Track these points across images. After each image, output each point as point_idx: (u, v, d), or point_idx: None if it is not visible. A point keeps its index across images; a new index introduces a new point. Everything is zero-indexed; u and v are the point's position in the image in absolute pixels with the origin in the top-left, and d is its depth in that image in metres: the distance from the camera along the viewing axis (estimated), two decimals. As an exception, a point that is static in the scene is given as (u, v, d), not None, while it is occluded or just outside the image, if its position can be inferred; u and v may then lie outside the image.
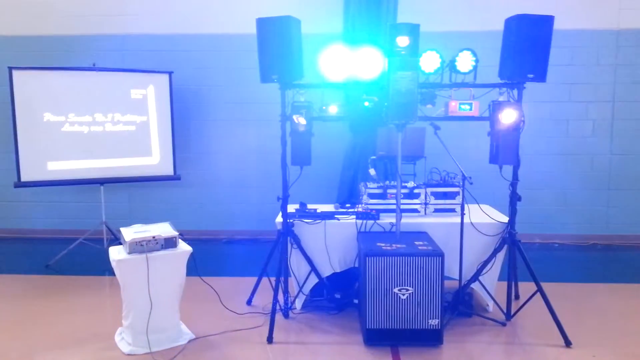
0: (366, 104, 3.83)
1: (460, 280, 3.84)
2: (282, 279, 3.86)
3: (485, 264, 3.87)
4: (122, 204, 6.41)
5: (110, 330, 3.68)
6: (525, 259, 3.72)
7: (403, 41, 3.48)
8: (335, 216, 4.03)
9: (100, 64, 5.66)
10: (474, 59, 3.70)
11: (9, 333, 3.72)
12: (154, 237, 3.39)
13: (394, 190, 3.95)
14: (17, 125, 5.22)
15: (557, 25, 3.59)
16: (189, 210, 6.44)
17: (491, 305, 4.04)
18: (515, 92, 3.73)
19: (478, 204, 3.96)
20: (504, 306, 3.92)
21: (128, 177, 5.78)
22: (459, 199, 4.06)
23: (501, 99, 3.74)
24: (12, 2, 6.16)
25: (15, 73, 5.21)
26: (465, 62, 3.71)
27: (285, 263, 3.89)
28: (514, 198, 3.81)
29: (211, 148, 6.37)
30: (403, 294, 3.42)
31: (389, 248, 3.51)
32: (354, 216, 3.99)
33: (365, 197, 4.10)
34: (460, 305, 3.88)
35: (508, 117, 3.61)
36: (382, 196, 4.09)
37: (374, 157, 4.55)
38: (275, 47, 3.62)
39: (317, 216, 4.01)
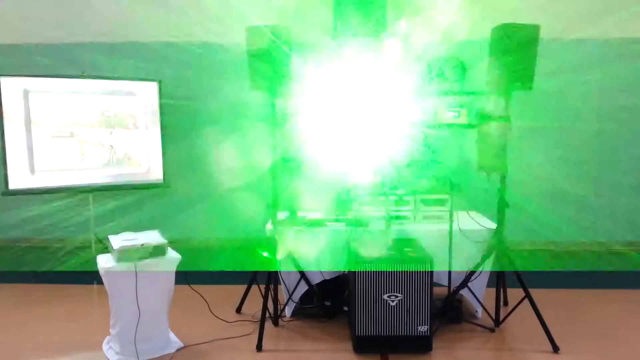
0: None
1: (449, 286, 3.85)
2: (271, 286, 3.85)
3: (474, 270, 3.89)
4: (110, 212, 6.36)
5: (98, 339, 3.65)
6: (513, 265, 3.74)
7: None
8: (325, 223, 4.03)
9: (89, 72, 5.64)
10: (463, 66, 3.74)
11: (-6, 343, 3.68)
12: (142, 245, 3.37)
13: (383, 198, 3.96)
14: (5, 133, 5.18)
15: (544, 34, 3.64)
16: (179, 218, 6.40)
17: (480, 312, 4.06)
18: (502, 100, 3.78)
19: (467, 211, 3.98)
20: (492, 312, 3.93)
21: (117, 184, 5.75)
22: (448, 206, 4.08)
23: (489, 106, 3.77)
24: (-1, 10, 6.14)
25: (2, 80, 5.17)
26: (453, 69, 3.75)
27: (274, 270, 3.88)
28: (502, 205, 3.84)
29: (200, 156, 6.34)
30: (392, 301, 3.43)
31: (378, 255, 3.51)
32: (344, 223, 4.00)
33: (355, 204, 4.11)
34: (450, 311, 3.89)
35: (494, 125, 3.65)
36: (372, 203, 4.10)
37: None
38: (265, 55, 3.63)
39: (306, 223, 4.01)
